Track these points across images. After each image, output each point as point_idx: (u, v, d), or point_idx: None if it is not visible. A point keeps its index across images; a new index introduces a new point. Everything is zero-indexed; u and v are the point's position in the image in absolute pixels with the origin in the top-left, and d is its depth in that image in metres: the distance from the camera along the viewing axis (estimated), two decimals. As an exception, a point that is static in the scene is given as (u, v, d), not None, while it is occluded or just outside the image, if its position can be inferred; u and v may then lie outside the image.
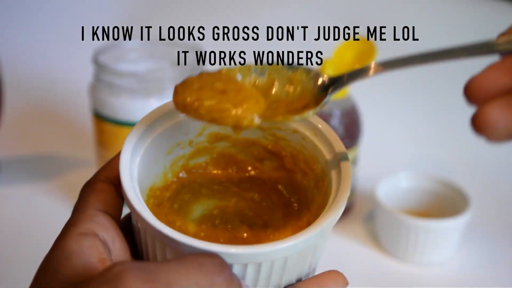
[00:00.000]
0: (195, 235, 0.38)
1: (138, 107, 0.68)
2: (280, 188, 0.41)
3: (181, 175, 0.41)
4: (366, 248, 0.72)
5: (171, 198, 0.40)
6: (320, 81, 0.36)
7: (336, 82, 0.35)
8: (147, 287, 0.27)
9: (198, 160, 0.41)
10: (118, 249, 0.33)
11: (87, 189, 0.35)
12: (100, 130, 0.72)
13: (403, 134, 0.96)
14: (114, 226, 0.33)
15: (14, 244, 0.70)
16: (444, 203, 0.72)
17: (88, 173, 0.81)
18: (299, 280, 0.35)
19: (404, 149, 0.93)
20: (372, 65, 0.34)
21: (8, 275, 0.65)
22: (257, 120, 0.33)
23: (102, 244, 0.31)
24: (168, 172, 0.40)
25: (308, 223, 0.38)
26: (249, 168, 0.42)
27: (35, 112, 1.01)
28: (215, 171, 0.42)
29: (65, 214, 0.88)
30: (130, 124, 0.68)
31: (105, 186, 0.35)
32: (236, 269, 0.32)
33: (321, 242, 0.35)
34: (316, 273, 0.36)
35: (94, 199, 0.34)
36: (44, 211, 0.76)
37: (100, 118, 0.71)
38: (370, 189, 0.73)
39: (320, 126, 0.38)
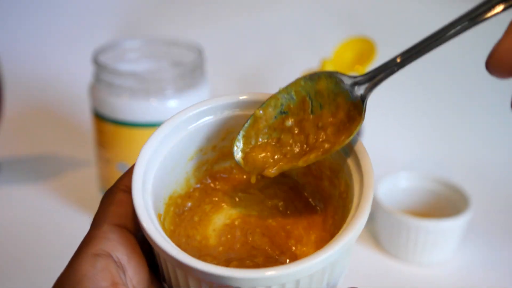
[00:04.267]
0: (214, 249, 0.37)
1: (138, 107, 0.68)
2: (306, 195, 0.40)
3: (204, 181, 0.40)
4: (366, 248, 0.72)
5: (192, 209, 0.39)
6: (350, 81, 0.35)
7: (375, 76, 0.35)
8: None
9: (222, 164, 0.40)
10: (133, 267, 0.32)
11: (107, 199, 0.34)
12: (100, 130, 0.72)
13: (403, 134, 0.96)
14: (130, 242, 0.33)
15: (14, 244, 0.70)
16: (444, 203, 0.72)
17: (88, 173, 0.82)
18: None
19: (404, 149, 0.93)
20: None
21: (8, 275, 0.65)
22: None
23: (116, 266, 0.31)
24: (191, 178, 0.39)
25: (332, 235, 0.36)
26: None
27: (35, 112, 1.01)
28: (239, 175, 0.40)
29: (65, 214, 0.87)
30: (130, 124, 0.68)
31: (124, 196, 0.34)
32: None
33: (342, 256, 0.34)
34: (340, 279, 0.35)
35: (112, 212, 0.33)
36: (44, 211, 0.76)
37: (100, 118, 0.71)
38: (370, 189, 0.73)
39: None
